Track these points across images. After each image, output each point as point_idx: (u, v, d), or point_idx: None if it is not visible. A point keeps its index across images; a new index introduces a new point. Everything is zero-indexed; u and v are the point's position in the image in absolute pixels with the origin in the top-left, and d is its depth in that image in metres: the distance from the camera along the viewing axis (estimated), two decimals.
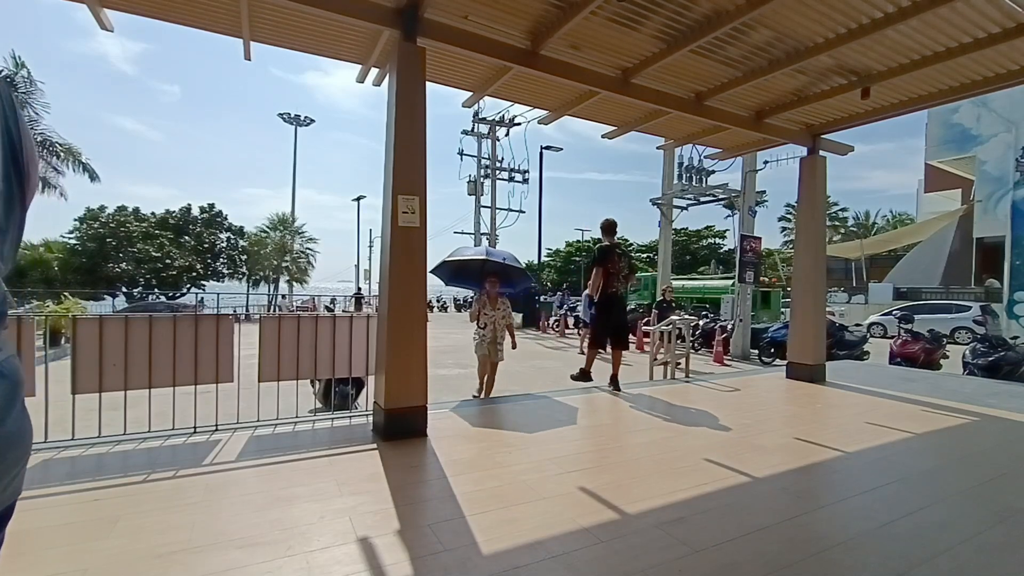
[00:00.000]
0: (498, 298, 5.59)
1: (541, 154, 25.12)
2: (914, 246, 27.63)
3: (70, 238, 27.46)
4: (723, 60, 4.58)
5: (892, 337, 10.40)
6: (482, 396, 5.57)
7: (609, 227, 5.71)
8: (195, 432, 3.69)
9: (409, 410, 3.73)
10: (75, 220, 27.91)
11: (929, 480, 3.16)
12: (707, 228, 44.90)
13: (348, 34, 4.13)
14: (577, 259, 44.95)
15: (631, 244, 48.69)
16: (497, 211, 24.09)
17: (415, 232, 3.76)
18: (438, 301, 34.47)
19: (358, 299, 19.91)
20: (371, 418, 4.09)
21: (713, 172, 13.20)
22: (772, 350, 10.49)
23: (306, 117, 28.96)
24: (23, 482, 0.79)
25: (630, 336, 7.35)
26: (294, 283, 31.66)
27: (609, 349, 5.86)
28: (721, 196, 13.59)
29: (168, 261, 27.51)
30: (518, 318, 20.29)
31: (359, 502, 2.59)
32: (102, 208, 28.63)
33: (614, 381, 5.67)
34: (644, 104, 5.26)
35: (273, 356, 3.95)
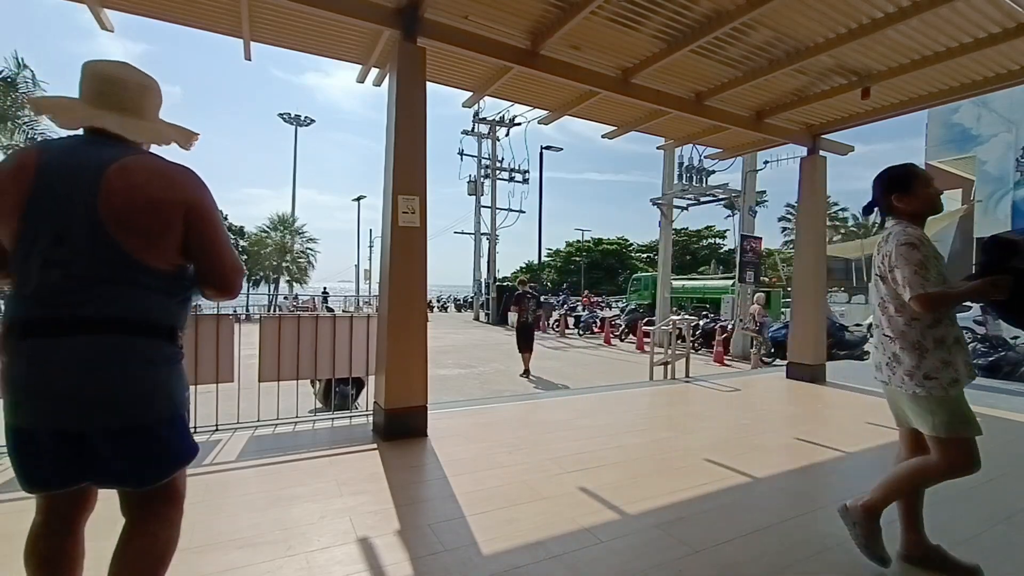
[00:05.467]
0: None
1: (541, 154, 25.15)
2: None
3: None
4: (723, 60, 4.58)
5: None
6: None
7: (522, 283, 9.19)
8: (195, 432, 3.68)
9: (409, 410, 3.73)
10: None
11: None
12: (707, 228, 44.92)
13: (348, 34, 4.13)
14: (577, 259, 44.97)
15: (631, 244, 48.75)
16: (497, 211, 24.10)
17: (415, 232, 3.76)
18: (438, 301, 34.45)
19: (324, 298, 20.13)
20: (371, 418, 4.10)
21: (713, 172, 13.18)
22: (772, 350, 10.49)
23: (306, 117, 28.93)
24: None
25: (631, 335, 10.11)
26: (294, 283, 31.64)
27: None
28: (721, 196, 13.57)
29: None
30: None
31: (359, 502, 2.59)
32: None
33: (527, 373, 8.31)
34: (644, 104, 5.26)
35: (273, 356, 3.95)
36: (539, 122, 6.18)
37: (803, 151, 6.56)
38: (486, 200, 24.17)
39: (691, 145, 8.60)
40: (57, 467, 1.23)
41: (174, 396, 1.30)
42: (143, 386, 1.23)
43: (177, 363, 1.32)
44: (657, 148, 8.22)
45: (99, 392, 1.18)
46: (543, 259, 28.05)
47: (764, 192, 39.69)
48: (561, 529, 2.35)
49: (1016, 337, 8.60)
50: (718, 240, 44.04)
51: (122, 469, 1.25)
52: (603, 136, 6.57)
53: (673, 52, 4.26)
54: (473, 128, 23.20)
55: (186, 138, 1.44)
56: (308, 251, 32.86)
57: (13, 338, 1.18)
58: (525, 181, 24.04)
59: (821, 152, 6.42)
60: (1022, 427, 4.41)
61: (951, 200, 27.13)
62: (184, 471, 1.37)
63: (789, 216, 41.76)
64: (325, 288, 30.27)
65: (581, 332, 17.13)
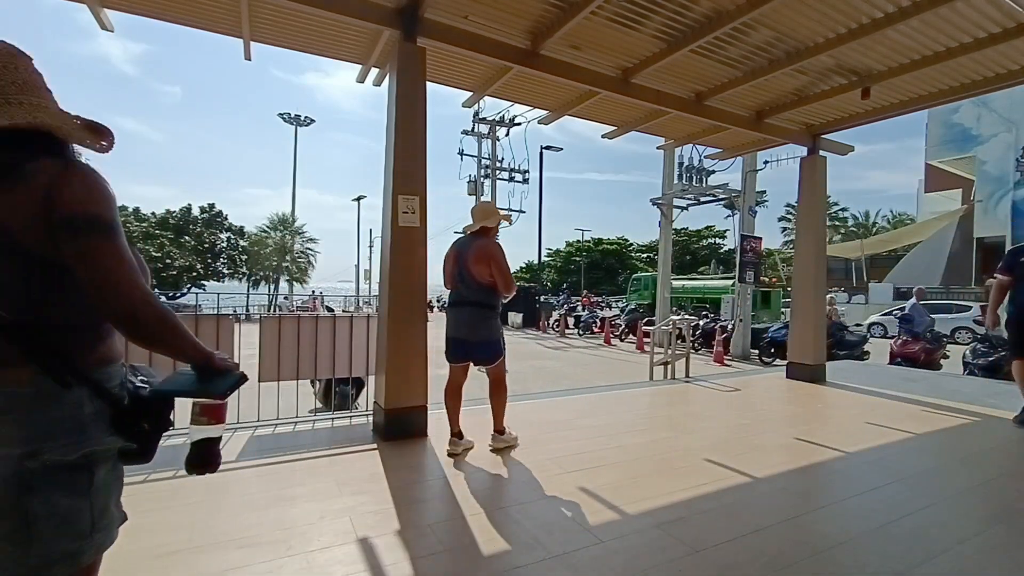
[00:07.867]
0: None
1: (541, 154, 25.14)
2: (914, 246, 27.62)
3: None
4: (723, 60, 4.58)
5: (892, 337, 10.40)
6: None
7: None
8: None
9: (409, 410, 3.73)
10: None
11: (929, 480, 3.16)
12: (707, 228, 44.91)
13: (348, 34, 4.13)
14: (577, 259, 44.97)
15: (631, 244, 48.74)
16: None
17: (415, 232, 3.76)
18: (438, 301, 34.39)
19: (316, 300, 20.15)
20: (371, 418, 4.10)
21: (713, 172, 13.18)
22: (772, 350, 10.49)
23: (306, 117, 28.93)
24: None
25: (631, 335, 10.16)
26: (294, 283, 31.66)
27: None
28: (721, 196, 13.57)
29: (168, 261, 27.53)
30: (518, 318, 20.26)
31: (359, 502, 2.59)
32: None
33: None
34: (644, 104, 5.26)
35: (273, 356, 3.95)
36: (539, 122, 6.18)
37: (803, 151, 6.55)
38: (486, 200, 24.16)
39: (691, 145, 8.60)
40: (456, 353, 3.37)
41: (497, 332, 3.37)
42: (487, 326, 3.31)
43: (497, 318, 3.38)
44: (657, 148, 8.22)
45: (472, 326, 3.30)
46: (543, 259, 28.04)
47: (764, 192, 39.70)
48: (561, 529, 2.35)
49: None
50: (718, 240, 44.03)
51: (478, 357, 3.37)
52: (603, 136, 6.56)
53: (673, 52, 4.26)
54: (473, 128, 23.19)
55: (506, 217, 3.62)
56: (308, 251, 32.92)
57: (449, 307, 3.41)
58: (525, 181, 24.03)
59: (821, 152, 6.41)
60: (1021, 427, 4.40)
61: (951, 200, 27.17)
62: (502, 361, 3.42)
63: (789, 216, 41.75)
64: (314, 291, 30.30)
65: (581, 332, 17.15)
